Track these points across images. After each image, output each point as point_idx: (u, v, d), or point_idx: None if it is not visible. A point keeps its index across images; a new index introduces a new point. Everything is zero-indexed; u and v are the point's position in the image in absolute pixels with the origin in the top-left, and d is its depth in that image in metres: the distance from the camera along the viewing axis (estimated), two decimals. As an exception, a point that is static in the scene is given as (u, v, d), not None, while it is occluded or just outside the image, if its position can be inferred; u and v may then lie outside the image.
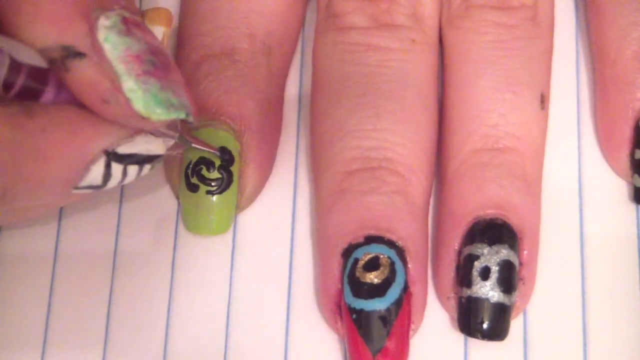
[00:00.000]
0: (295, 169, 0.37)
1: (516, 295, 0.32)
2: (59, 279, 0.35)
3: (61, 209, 0.36)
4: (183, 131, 0.32)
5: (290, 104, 0.37)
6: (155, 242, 0.35)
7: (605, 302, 0.34)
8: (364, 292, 0.32)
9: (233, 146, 0.34)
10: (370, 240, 0.32)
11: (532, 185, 0.34)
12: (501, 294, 0.32)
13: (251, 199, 0.35)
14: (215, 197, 0.34)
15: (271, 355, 0.34)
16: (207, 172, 0.34)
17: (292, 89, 0.38)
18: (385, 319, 0.31)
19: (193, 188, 0.34)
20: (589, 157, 0.36)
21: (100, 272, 0.35)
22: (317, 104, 0.35)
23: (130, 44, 0.28)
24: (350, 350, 0.32)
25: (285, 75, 0.37)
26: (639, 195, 0.35)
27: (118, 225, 0.36)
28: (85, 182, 0.29)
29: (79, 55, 0.27)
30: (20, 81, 0.27)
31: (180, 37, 0.36)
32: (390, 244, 0.32)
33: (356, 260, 0.32)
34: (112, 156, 0.29)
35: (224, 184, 0.34)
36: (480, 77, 0.34)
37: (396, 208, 0.33)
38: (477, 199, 0.33)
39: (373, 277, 0.32)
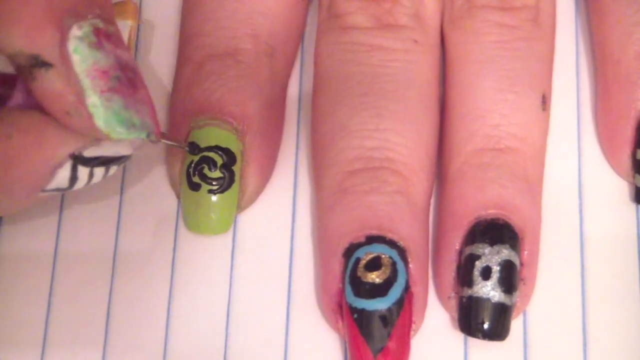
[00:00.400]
0: (295, 169, 0.36)
1: (517, 296, 0.32)
2: (59, 278, 0.35)
3: (61, 208, 0.36)
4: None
5: (291, 103, 0.37)
6: (155, 242, 0.35)
7: (605, 302, 0.34)
8: (366, 292, 0.32)
9: (235, 146, 0.34)
10: (371, 240, 0.32)
11: (533, 185, 0.34)
12: (502, 294, 0.32)
13: (252, 199, 0.35)
14: (216, 197, 0.34)
15: (271, 355, 0.34)
16: (209, 171, 0.34)
17: (292, 88, 0.38)
18: (387, 318, 0.31)
19: (194, 187, 0.34)
20: (589, 157, 0.36)
21: (100, 271, 0.35)
22: (319, 103, 0.35)
23: (99, 58, 0.28)
24: (351, 349, 0.32)
25: (287, 76, 0.37)
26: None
27: (118, 225, 0.36)
28: (52, 185, 0.29)
29: (46, 65, 0.27)
30: None
31: (183, 36, 0.36)
32: (392, 244, 0.32)
33: (358, 260, 0.32)
34: (79, 159, 0.29)
35: (226, 184, 0.34)
36: (482, 78, 0.34)
37: (398, 208, 0.33)
38: (478, 199, 0.33)
39: (375, 277, 0.32)
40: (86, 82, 0.27)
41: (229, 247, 0.35)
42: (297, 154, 0.37)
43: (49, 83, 0.27)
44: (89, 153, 0.29)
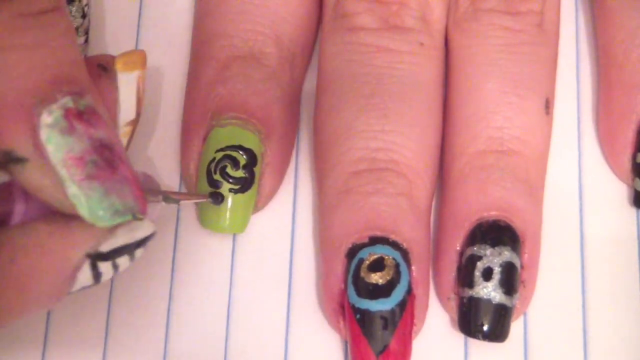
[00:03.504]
0: (295, 169, 0.36)
1: (517, 298, 0.33)
2: (60, 278, 0.35)
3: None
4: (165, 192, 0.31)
5: (291, 103, 0.37)
6: (155, 243, 0.35)
7: (606, 304, 0.34)
8: (369, 293, 0.32)
9: (257, 148, 0.34)
10: (375, 241, 0.32)
11: (535, 188, 0.34)
12: (503, 295, 0.32)
13: (267, 201, 0.35)
14: (237, 196, 0.34)
15: (271, 355, 0.34)
16: (232, 170, 0.33)
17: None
18: (389, 320, 0.31)
19: (214, 184, 0.34)
20: (590, 159, 0.36)
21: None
22: (323, 103, 0.35)
23: (72, 144, 0.26)
24: (353, 350, 0.32)
25: (303, 82, 0.37)
26: (639, 199, 0.35)
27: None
28: (76, 287, 0.28)
29: (21, 160, 0.26)
30: None
31: (203, 35, 0.36)
32: (395, 245, 0.32)
33: (361, 261, 0.32)
34: (96, 257, 0.28)
35: (247, 184, 0.34)
36: (486, 80, 0.34)
37: (401, 210, 0.33)
38: (480, 201, 0.33)
39: (378, 278, 0.32)
40: (63, 172, 0.26)
41: (229, 247, 0.35)
42: (297, 154, 0.37)
43: (26, 178, 0.26)
44: (105, 247, 0.28)
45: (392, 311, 0.31)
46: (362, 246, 0.32)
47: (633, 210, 0.36)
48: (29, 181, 0.26)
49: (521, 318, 0.34)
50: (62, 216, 0.27)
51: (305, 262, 0.35)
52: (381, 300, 0.31)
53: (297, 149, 0.37)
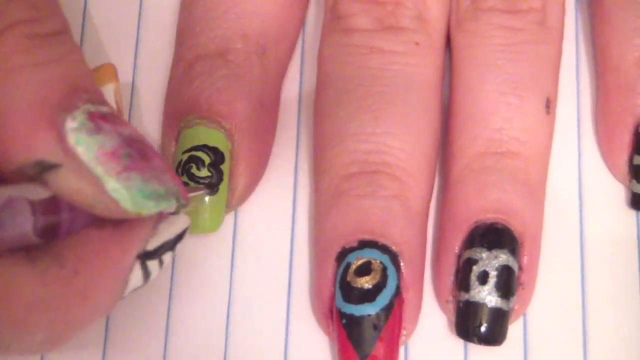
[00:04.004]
0: (295, 169, 0.36)
1: (514, 301, 0.32)
2: (58, 279, 0.35)
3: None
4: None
5: (291, 104, 0.37)
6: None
7: (606, 305, 0.34)
8: (355, 297, 0.31)
9: (224, 145, 0.34)
10: (363, 244, 0.32)
11: (535, 190, 0.34)
12: (499, 298, 0.32)
13: (243, 199, 0.35)
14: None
15: (271, 355, 0.34)
16: (196, 170, 0.33)
17: (292, 89, 0.37)
18: (375, 324, 0.31)
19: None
20: (590, 159, 0.36)
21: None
22: (319, 105, 0.35)
23: (103, 141, 0.27)
24: (339, 354, 0.32)
25: (281, 76, 0.37)
26: (637, 201, 0.35)
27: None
28: (128, 289, 0.29)
29: (54, 167, 0.27)
30: (42, 222, 0.27)
31: (177, 37, 0.37)
32: (384, 249, 0.32)
33: (348, 265, 0.32)
34: (145, 256, 0.29)
35: (213, 183, 0.34)
36: (485, 81, 0.34)
37: (392, 213, 0.32)
38: (478, 203, 0.33)
39: (364, 282, 0.32)
40: (98, 169, 0.27)
41: (229, 248, 0.35)
42: (297, 154, 0.37)
43: (63, 183, 0.27)
44: (151, 245, 0.29)
45: (378, 316, 0.31)
46: (351, 250, 0.32)
47: (633, 211, 0.35)
48: (66, 187, 0.27)
49: (521, 319, 0.34)
50: (109, 221, 0.28)
51: (305, 262, 0.35)
52: (366, 304, 0.31)
53: (297, 149, 0.37)
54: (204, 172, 0.33)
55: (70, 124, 0.27)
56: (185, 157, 0.34)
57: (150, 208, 0.27)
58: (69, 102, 0.27)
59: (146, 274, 0.29)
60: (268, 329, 0.34)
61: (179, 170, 0.34)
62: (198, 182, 0.33)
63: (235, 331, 0.34)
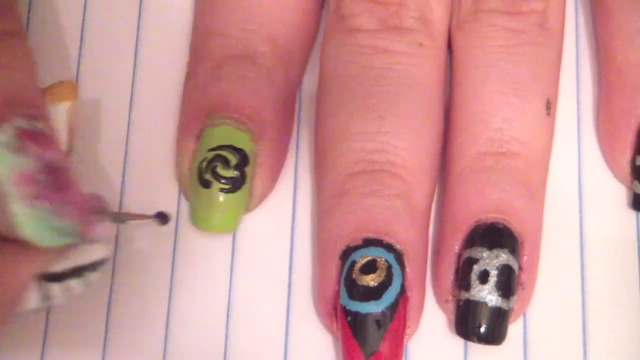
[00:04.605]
0: (295, 169, 0.36)
1: (514, 300, 0.32)
2: (59, 278, 0.35)
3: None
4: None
5: (291, 104, 0.37)
6: (155, 242, 0.35)
7: (606, 305, 0.34)
8: (360, 295, 0.32)
9: (249, 148, 0.34)
10: (368, 243, 0.32)
11: (535, 190, 0.34)
12: (499, 298, 0.32)
13: (259, 202, 0.35)
14: (227, 196, 0.34)
15: (271, 355, 0.34)
16: (222, 169, 0.34)
17: (293, 89, 0.37)
18: (380, 322, 0.31)
19: (205, 184, 0.34)
20: (590, 159, 0.36)
21: (100, 272, 0.35)
22: (322, 105, 0.35)
23: (22, 163, 0.27)
24: (344, 352, 0.32)
25: (299, 82, 0.37)
26: (638, 202, 0.35)
27: (118, 225, 0.36)
28: (24, 309, 0.28)
29: None
30: None
31: (198, 33, 0.36)
32: (389, 247, 0.32)
33: (353, 263, 0.32)
34: (45, 278, 0.28)
35: (238, 184, 0.34)
36: (486, 82, 0.34)
37: (396, 212, 0.33)
38: (479, 203, 0.33)
39: (369, 280, 0.32)
40: (11, 190, 0.26)
41: (229, 248, 0.35)
42: (297, 155, 0.37)
43: None
44: (55, 268, 0.28)
45: (383, 313, 0.31)
46: (356, 248, 0.32)
47: (633, 211, 0.35)
48: None
49: (521, 318, 0.34)
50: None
51: (305, 262, 0.35)
52: (372, 302, 0.31)
53: (297, 149, 0.37)
54: (230, 173, 0.33)
55: None
56: (210, 155, 0.34)
57: (49, 242, 0.27)
58: (3, 113, 0.27)
59: (46, 296, 0.28)
60: (268, 329, 0.34)
61: (203, 166, 0.34)
62: (223, 182, 0.33)
63: (235, 331, 0.34)
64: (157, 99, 0.37)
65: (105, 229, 0.30)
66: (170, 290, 0.35)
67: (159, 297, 0.35)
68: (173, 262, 0.35)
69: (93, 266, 0.29)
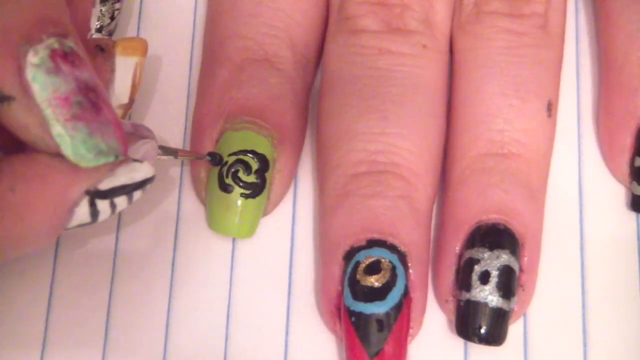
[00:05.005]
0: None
1: (515, 301, 0.32)
2: (59, 278, 0.35)
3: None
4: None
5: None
6: (155, 242, 0.35)
7: (606, 306, 0.34)
8: (364, 295, 0.32)
9: (270, 153, 0.34)
10: (372, 243, 0.32)
11: (536, 191, 0.34)
12: (500, 298, 0.32)
13: (275, 206, 0.35)
14: (248, 201, 0.34)
15: (271, 355, 0.34)
16: (244, 174, 0.34)
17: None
18: (384, 323, 0.31)
19: (225, 188, 0.34)
20: (590, 160, 0.36)
21: (100, 272, 0.35)
22: (325, 105, 0.35)
23: (58, 84, 0.27)
24: (347, 352, 0.32)
25: (312, 87, 0.37)
26: (637, 203, 0.35)
27: (118, 225, 0.36)
28: (73, 224, 0.29)
29: (8, 98, 0.26)
30: None
31: (217, 36, 0.36)
32: (393, 248, 0.32)
33: (357, 263, 0.32)
34: (95, 194, 0.28)
35: (258, 189, 0.34)
36: (487, 83, 0.34)
37: (400, 213, 0.33)
38: (480, 204, 0.33)
39: (374, 281, 0.32)
40: (48, 112, 0.26)
41: (229, 248, 0.35)
42: (297, 155, 0.37)
43: (13, 116, 0.27)
44: (104, 185, 0.29)
45: (387, 314, 0.31)
46: (360, 249, 0.32)
47: (633, 212, 0.35)
48: (15, 120, 0.27)
49: (521, 319, 0.34)
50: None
51: (306, 263, 0.35)
52: (376, 303, 0.31)
53: (297, 149, 0.37)
54: (252, 178, 0.34)
55: (32, 59, 0.27)
56: (231, 159, 0.34)
57: (88, 161, 0.27)
58: (35, 34, 0.27)
59: (94, 212, 0.29)
60: (268, 329, 0.34)
61: (224, 170, 0.34)
62: (245, 187, 0.33)
63: (235, 331, 0.34)
64: (157, 98, 0.37)
65: (150, 151, 0.30)
66: (170, 290, 0.35)
67: (159, 297, 0.35)
68: (173, 262, 0.35)
69: (139, 185, 0.30)
